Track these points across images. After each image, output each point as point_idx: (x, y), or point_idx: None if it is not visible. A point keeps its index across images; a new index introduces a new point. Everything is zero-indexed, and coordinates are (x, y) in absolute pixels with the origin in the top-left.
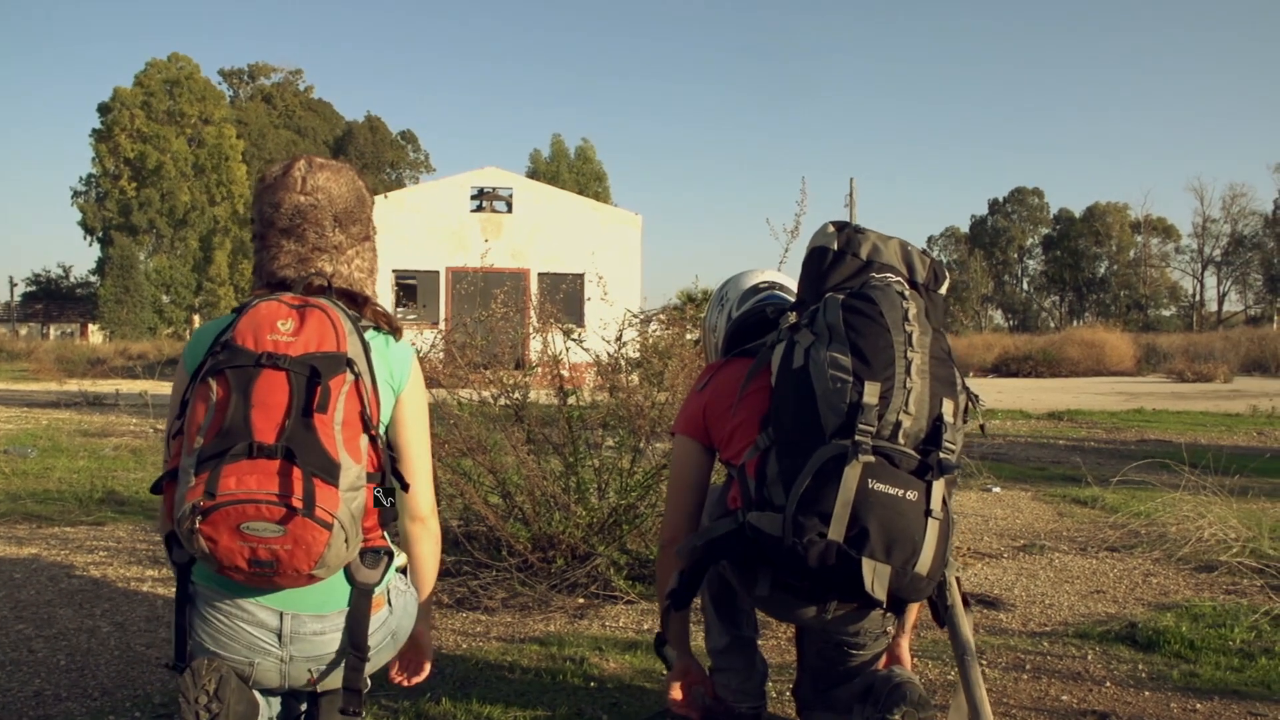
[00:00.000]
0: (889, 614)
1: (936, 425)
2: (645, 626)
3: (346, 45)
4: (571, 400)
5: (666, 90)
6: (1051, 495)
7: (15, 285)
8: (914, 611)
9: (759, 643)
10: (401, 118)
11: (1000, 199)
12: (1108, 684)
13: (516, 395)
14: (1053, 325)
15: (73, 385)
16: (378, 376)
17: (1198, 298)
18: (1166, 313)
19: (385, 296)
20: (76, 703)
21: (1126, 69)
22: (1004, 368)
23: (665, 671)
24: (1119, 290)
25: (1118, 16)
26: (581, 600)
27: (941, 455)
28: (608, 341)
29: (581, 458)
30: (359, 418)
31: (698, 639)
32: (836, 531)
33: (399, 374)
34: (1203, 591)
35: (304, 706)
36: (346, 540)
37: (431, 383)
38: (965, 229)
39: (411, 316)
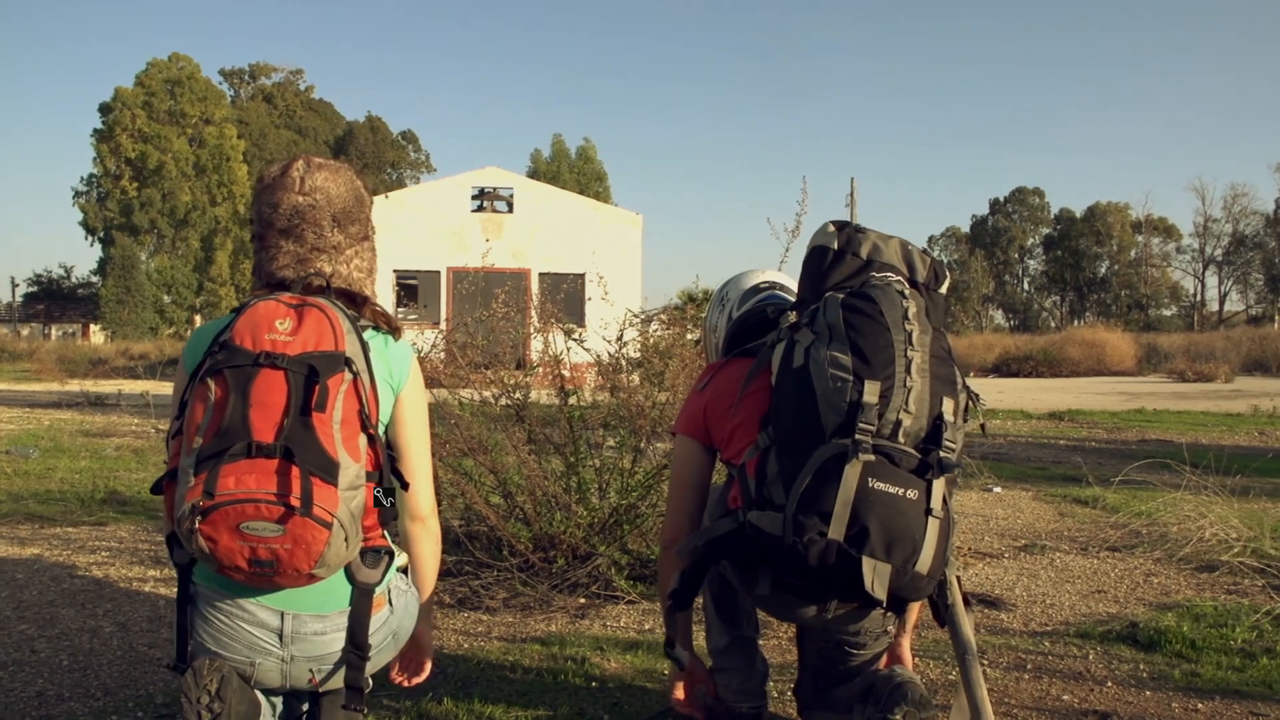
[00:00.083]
0: (889, 613)
1: (937, 424)
2: (646, 626)
3: (347, 45)
4: (572, 400)
5: (666, 90)
6: (1052, 495)
7: (17, 286)
8: (915, 611)
9: (760, 642)
10: (402, 118)
11: (1001, 199)
12: (1109, 684)
13: (518, 395)
14: (1053, 325)
15: (74, 386)
16: (376, 375)
17: (1199, 298)
18: (1167, 312)
19: (386, 296)
20: (79, 703)
21: (1126, 69)
22: (1005, 368)
23: (668, 671)
24: (1120, 290)
25: (1118, 16)
26: (583, 600)
27: (942, 454)
28: (608, 341)
29: (582, 458)
30: (357, 416)
31: (699, 639)
32: (837, 530)
33: (398, 373)
34: (1204, 591)
35: (305, 706)
36: (346, 539)
37: (433, 383)
38: (966, 229)
39: (412, 316)
